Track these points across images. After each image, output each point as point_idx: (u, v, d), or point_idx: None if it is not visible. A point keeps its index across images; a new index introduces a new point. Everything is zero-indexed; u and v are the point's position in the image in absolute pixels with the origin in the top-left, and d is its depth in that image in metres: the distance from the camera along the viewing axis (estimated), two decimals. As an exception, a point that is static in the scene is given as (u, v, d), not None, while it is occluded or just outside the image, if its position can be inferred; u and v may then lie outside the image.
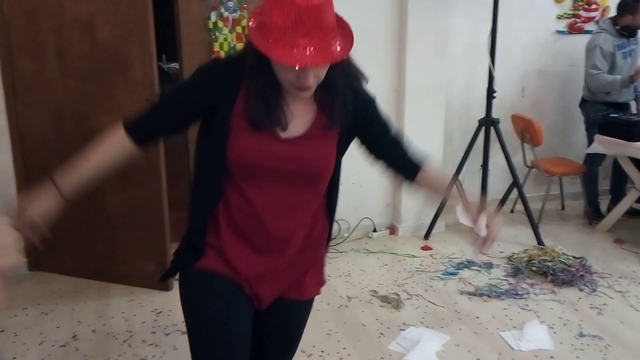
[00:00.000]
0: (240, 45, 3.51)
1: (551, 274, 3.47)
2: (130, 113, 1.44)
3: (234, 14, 3.42)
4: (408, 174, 1.57)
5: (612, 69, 4.21)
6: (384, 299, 3.25)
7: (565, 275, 3.45)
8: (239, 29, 3.47)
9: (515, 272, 3.56)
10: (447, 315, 3.10)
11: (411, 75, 3.92)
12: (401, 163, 1.57)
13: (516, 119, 4.40)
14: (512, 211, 4.59)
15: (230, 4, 3.39)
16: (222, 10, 3.40)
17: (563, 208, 4.76)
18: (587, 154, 4.35)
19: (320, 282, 1.61)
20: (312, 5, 1.19)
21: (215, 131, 1.35)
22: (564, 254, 3.67)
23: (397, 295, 3.29)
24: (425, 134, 4.05)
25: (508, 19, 4.25)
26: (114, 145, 1.41)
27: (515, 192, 4.22)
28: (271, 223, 1.41)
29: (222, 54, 3.47)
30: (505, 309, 3.16)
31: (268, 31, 1.22)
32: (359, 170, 4.05)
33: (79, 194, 1.38)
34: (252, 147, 1.34)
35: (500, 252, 3.86)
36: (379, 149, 1.55)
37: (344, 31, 1.31)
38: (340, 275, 3.55)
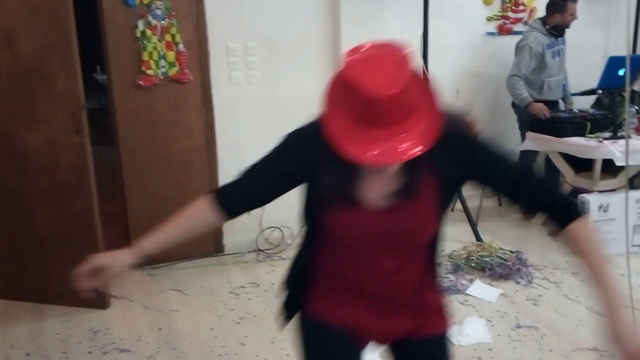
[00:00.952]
0: (170, 54, 3.46)
1: (489, 269, 3.56)
2: (219, 185, 1.45)
3: (162, 22, 3.36)
4: (558, 223, 1.33)
5: (541, 68, 4.35)
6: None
7: (502, 269, 3.54)
8: (168, 37, 3.42)
9: (455, 268, 3.63)
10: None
11: (347, 79, 3.94)
12: (544, 208, 1.34)
13: (452, 120, 4.49)
14: (452, 210, 4.65)
15: (158, 11, 3.34)
16: (150, 18, 3.35)
17: (500, 205, 4.87)
18: (521, 151, 4.48)
19: (446, 320, 1.52)
20: (385, 97, 1.06)
21: (311, 199, 1.34)
22: (501, 249, 3.76)
23: (341, 298, 3.29)
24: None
25: (439, 21, 4.34)
26: (201, 218, 1.39)
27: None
28: (373, 287, 1.39)
29: (152, 64, 3.41)
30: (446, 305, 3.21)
31: (342, 118, 1.13)
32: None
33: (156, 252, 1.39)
34: (344, 221, 1.30)
35: (441, 251, 3.90)
36: (508, 192, 1.36)
37: (429, 100, 1.14)
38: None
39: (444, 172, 1.28)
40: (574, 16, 4.29)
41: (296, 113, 3.86)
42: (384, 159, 1.10)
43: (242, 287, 3.49)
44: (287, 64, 3.85)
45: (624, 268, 2.53)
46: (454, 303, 3.22)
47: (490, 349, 2.78)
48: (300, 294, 1.48)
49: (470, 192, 4.63)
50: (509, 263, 3.60)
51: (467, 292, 3.35)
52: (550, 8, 4.33)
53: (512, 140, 4.81)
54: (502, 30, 4.76)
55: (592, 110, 4.33)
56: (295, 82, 3.89)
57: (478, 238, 4.05)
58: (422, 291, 1.44)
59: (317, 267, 1.44)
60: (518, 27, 4.75)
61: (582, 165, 4.09)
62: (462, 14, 4.61)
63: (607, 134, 3.91)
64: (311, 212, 1.37)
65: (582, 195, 3.78)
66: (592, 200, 3.72)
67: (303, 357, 1.47)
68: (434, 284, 1.49)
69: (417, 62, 1.14)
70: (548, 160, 4.48)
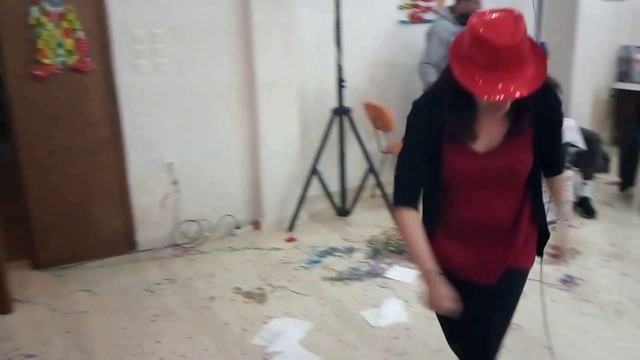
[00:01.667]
0: (69, 42, 3.26)
1: (407, 252, 3.61)
2: (394, 195, 1.69)
3: (58, 8, 3.16)
4: (545, 173, 1.73)
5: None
6: (248, 295, 3.19)
7: (420, 251, 3.60)
8: (65, 24, 3.22)
9: (375, 253, 3.66)
10: (311, 303, 3.10)
11: (261, 68, 3.88)
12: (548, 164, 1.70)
13: (368, 107, 4.53)
14: (372, 196, 4.72)
15: (54, -3, 3.14)
16: (45, 4, 3.14)
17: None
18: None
19: (532, 256, 1.76)
20: (511, 46, 1.35)
21: (433, 153, 1.59)
22: (418, 231, 3.82)
23: (261, 289, 3.24)
24: (282, 125, 4.05)
25: (353, 9, 4.36)
26: (417, 224, 1.66)
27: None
28: (483, 218, 1.64)
29: (49, 53, 3.21)
30: (365, 289, 3.23)
31: (468, 66, 1.41)
32: (216, 167, 3.99)
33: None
34: (459, 163, 1.58)
35: (361, 236, 3.95)
36: (546, 152, 1.64)
37: (536, 52, 1.44)
38: (202, 277, 3.43)
39: (537, 115, 1.56)
40: (478, 4, 4.39)
41: (208, 102, 3.83)
42: (515, 93, 1.38)
43: (157, 284, 3.36)
44: (197, 52, 3.73)
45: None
46: (373, 287, 3.25)
47: (407, 329, 2.82)
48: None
49: (389, 178, 4.70)
50: (426, 245, 3.66)
51: (386, 275, 3.38)
52: None
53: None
54: (414, 19, 4.85)
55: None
56: (206, 70, 3.78)
57: (397, 222, 4.10)
58: (520, 225, 1.67)
59: (437, 214, 1.69)
60: (429, 16, 4.84)
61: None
62: (375, 3, 4.65)
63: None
64: (435, 165, 1.61)
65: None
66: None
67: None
68: (533, 218, 1.71)
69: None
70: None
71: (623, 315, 2.90)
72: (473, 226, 1.67)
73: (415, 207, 1.65)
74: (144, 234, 3.78)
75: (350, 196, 4.36)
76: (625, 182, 4.59)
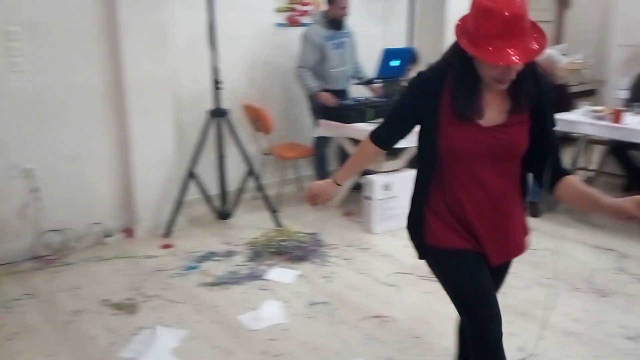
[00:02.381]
0: None
1: (287, 253, 3.59)
2: (374, 129, 1.88)
3: None
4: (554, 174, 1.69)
5: (323, 59, 4.52)
6: (117, 307, 3.01)
7: (299, 251, 3.61)
8: None
9: (255, 255, 3.61)
10: (186, 310, 2.98)
11: (130, 68, 3.70)
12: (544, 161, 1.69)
13: (247, 109, 4.48)
14: (254, 198, 4.64)
15: None
16: None
17: (301, 190, 4.99)
18: (315, 137, 4.63)
19: (525, 241, 1.82)
20: (518, 15, 1.47)
21: (427, 127, 1.69)
22: (298, 232, 3.84)
23: (133, 299, 3.07)
24: (155, 128, 3.89)
25: (228, 11, 4.29)
26: (368, 153, 1.93)
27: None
28: (479, 204, 1.68)
29: None
30: (244, 292, 3.17)
31: (476, 38, 1.51)
32: (82, 173, 3.74)
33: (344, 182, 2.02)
34: (459, 136, 1.62)
35: (241, 239, 3.88)
36: (536, 140, 1.68)
37: (536, 29, 1.56)
38: (67, 290, 3.19)
39: (532, 97, 1.63)
40: (344, 10, 4.48)
41: (71, 104, 3.58)
42: (522, 59, 1.48)
43: (15, 299, 3.07)
44: (58, 51, 3.48)
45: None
46: (252, 290, 3.19)
47: (285, 329, 2.79)
48: (421, 228, 1.76)
49: (270, 180, 4.68)
50: (305, 245, 3.68)
51: (266, 277, 3.33)
52: (327, 0, 4.52)
53: (306, 127, 4.95)
54: (291, 22, 4.87)
55: (373, 98, 4.62)
56: (68, 70, 3.54)
57: (278, 224, 4.08)
58: (514, 209, 1.73)
59: (433, 196, 1.73)
60: (306, 19, 4.89)
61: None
62: (252, 5, 4.61)
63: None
64: (427, 139, 1.69)
65: (368, 176, 3.99)
66: (377, 181, 3.94)
67: (451, 284, 1.75)
68: (520, 200, 1.77)
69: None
70: (340, 146, 4.69)
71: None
72: (467, 208, 1.68)
73: (380, 146, 1.86)
74: (0, 247, 3.44)
75: (231, 199, 4.27)
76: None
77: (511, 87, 1.60)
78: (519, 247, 1.80)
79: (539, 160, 1.68)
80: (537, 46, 1.53)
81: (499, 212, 1.70)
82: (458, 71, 1.60)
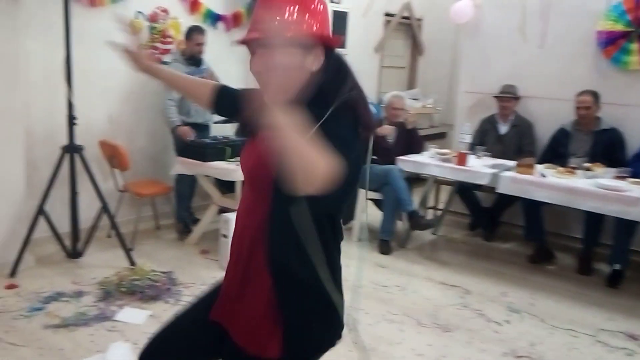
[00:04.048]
0: None
1: (140, 292, 3.64)
2: (226, 84, 1.80)
3: None
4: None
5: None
6: (-49, 354, 2.88)
7: (152, 290, 3.66)
8: None
9: (106, 295, 3.60)
10: (29, 354, 2.93)
11: (-23, 100, 3.58)
12: None
13: (103, 145, 4.47)
14: (108, 236, 4.62)
15: None
16: None
17: (159, 227, 5.04)
18: (177, 174, 4.71)
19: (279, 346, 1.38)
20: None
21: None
22: (152, 270, 3.89)
23: (-31, 345, 2.95)
24: (3, 162, 3.77)
25: (84, 45, 4.28)
26: (202, 89, 1.75)
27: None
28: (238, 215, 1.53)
29: None
30: (92, 334, 3.16)
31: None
32: None
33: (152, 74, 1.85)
34: (244, 151, 1.51)
35: (93, 279, 3.85)
36: None
37: (310, 22, 1.35)
38: None
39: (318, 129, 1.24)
40: (200, 47, 4.71)
41: None
42: (251, 34, 1.36)
43: None
44: None
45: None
46: (100, 331, 3.20)
47: (131, 371, 2.85)
48: None
49: (127, 217, 4.67)
50: (159, 284, 3.74)
51: (116, 318, 3.35)
52: (184, 37, 4.71)
53: (168, 164, 5.01)
54: (153, 60, 4.93)
55: (233, 137, 4.84)
56: None
57: (132, 262, 4.10)
58: (251, 283, 1.43)
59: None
60: (167, 58, 4.99)
61: (230, 187, 4.53)
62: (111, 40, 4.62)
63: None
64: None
65: (224, 214, 4.17)
66: (233, 219, 4.12)
67: None
68: (266, 291, 1.40)
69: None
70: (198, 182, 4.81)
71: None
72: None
73: (212, 97, 1.74)
74: None
75: (83, 237, 4.21)
76: (345, 217, 5.28)
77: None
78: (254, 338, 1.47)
79: None
80: (276, 29, 1.20)
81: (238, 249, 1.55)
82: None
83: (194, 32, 4.70)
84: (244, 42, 1.40)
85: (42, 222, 3.92)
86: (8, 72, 3.71)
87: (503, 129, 5.19)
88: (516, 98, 5.12)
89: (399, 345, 3.22)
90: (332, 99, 1.33)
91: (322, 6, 1.39)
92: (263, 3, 1.36)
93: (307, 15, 1.34)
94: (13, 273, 3.81)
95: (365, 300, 3.80)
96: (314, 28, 1.35)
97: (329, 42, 1.38)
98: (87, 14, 4.38)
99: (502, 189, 4.30)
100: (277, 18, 1.32)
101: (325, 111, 1.30)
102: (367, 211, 5.19)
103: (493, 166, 4.53)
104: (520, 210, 4.77)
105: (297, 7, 1.33)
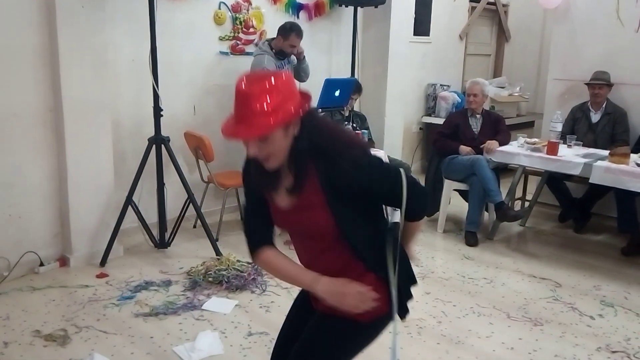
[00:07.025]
0: None
1: (226, 282, 3.59)
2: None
3: None
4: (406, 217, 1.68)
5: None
6: (49, 338, 2.93)
7: (238, 280, 3.61)
8: None
9: (193, 285, 3.59)
10: (120, 341, 2.93)
11: (69, 93, 3.65)
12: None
13: (188, 137, 4.48)
14: (194, 226, 4.64)
15: None
16: None
17: (242, 218, 5.00)
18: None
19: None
20: (241, 93, 1.44)
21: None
22: (238, 261, 3.84)
23: (65, 330, 3.00)
24: (92, 154, 3.84)
25: (170, 38, 4.32)
26: (274, 262, 1.72)
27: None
28: (308, 266, 1.69)
29: None
30: (180, 323, 3.14)
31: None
32: (15, 199, 3.63)
33: None
34: (274, 214, 1.67)
35: (180, 269, 3.85)
36: (382, 202, 1.72)
37: (280, 111, 1.44)
38: (-6, 322, 3.08)
39: (326, 179, 1.53)
40: (293, 49, 4.56)
41: (4, 127, 3.50)
42: (235, 132, 1.46)
43: (-64, 334, 2.95)
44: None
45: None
46: (189, 320, 3.17)
47: (221, 361, 2.79)
48: None
49: (212, 208, 4.67)
50: (245, 274, 3.68)
51: (203, 307, 3.32)
52: (278, 31, 4.59)
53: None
54: (235, 51, 4.92)
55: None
56: (5, 96, 3.46)
57: (218, 252, 4.08)
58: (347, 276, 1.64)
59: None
60: (249, 48, 4.96)
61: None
62: (194, 33, 4.64)
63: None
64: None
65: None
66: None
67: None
68: (360, 275, 1.64)
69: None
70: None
71: (423, 330, 3.15)
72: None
73: (266, 246, 1.69)
74: None
75: (170, 227, 4.24)
76: (430, 208, 5.06)
77: (292, 170, 1.57)
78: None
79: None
80: (264, 125, 1.42)
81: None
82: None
83: (292, 32, 4.48)
84: (233, 136, 1.48)
85: (130, 213, 3.97)
86: (96, 64, 3.77)
87: (595, 117, 4.93)
88: (609, 85, 4.83)
89: (488, 339, 3.06)
90: (323, 147, 1.53)
91: (287, 77, 1.51)
92: (241, 98, 1.44)
93: (282, 98, 1.45)
94: (103, 262, 3.88)
95: (453, 293, 3.65)
96: (292, 110, 1.47)
97: (303, 111, 1.50)
98: (171, 6, 4.41)
99: (595, 179, 4.07)
100: (259, 113, 1.43)
101: (324, 157, 1.53)
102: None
103: (585, 155, 4.31)
104: (612, 201, 4.50)
105: (272, 93, 1.44)
